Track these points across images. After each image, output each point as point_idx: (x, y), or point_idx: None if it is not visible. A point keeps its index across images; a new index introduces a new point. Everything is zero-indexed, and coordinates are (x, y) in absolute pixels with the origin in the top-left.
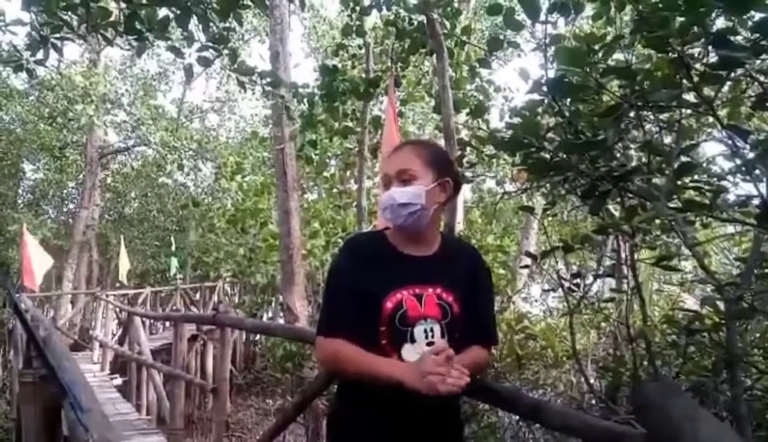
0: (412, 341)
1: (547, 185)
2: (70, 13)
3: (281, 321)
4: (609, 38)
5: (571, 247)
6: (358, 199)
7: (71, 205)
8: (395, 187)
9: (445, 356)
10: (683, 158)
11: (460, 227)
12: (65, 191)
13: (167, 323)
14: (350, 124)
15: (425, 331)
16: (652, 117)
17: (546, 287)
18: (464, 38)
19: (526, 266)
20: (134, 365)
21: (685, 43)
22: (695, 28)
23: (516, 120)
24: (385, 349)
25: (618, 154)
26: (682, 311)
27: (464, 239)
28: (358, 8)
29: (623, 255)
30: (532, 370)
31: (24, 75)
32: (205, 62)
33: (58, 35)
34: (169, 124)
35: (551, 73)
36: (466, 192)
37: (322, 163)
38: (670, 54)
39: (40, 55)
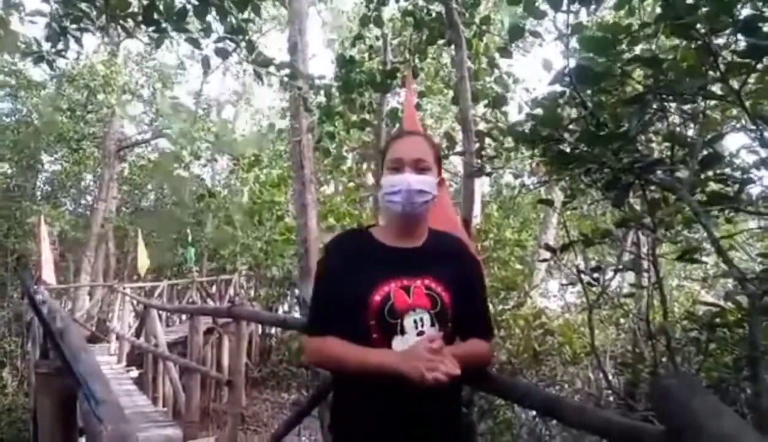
0: (402, 332)
1: (567, 178)
2: (89, 3)
3: (297, 315)
4: (633, 28)
5: (591, 241)
6: (375, 193)
7: (89, 198)
8: (410, 173)
9: (437, 344)
10: (707, 150)
11: (477, 220)
12: (83, 184)
13: (184, 316)
14: (367, 116)
15: (415, 321)
16: (675, 108)
17: (564, 281)
18: (483, 28)
19: (545, 260)
20: (150, 358)
21: (713, 31)
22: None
23: (536, 111)
24: (376, 342)
25: (639, 146)
26: (704, 305)
27: (481, 233)
28: None
29: (644, 249)
30: (550, 366)
31: (42, 66)
32: (223, 54)
33: (77, 26)
34: (187, 116)
35: (573, 63)
36: (483, 185)
37: (340, 156)
38: (696, 42)
39: (59, 46)
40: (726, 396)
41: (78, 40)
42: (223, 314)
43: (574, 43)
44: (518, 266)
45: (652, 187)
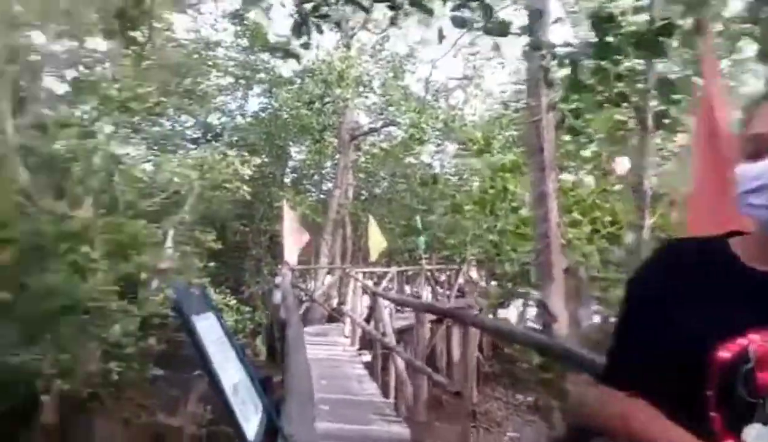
0: (764, 421)
1: None
2: None
3: (530, 320)
4: None
5: None
6: (637, 182)
7: (329, 185)
8: None
9: None
10: None
11: None
12: (324, 171)
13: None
14: (625, 90)
15: None
16: None
17: None
18: None
19: None
20: (379, 345)
21: None
22: None
23: None
24: (713, 425)
25: None
26: None
27: None
28: None
29: None
30: None
31: (289, 63)
32: (459, 22)
33: (317, 14)
34: (417, 104)
35: None
36: None
37: (609, 136)
38: None
39: (303, 39)
40: None
41: (319, 28)
42: (446, 313)
43: None
44: None
45: None
